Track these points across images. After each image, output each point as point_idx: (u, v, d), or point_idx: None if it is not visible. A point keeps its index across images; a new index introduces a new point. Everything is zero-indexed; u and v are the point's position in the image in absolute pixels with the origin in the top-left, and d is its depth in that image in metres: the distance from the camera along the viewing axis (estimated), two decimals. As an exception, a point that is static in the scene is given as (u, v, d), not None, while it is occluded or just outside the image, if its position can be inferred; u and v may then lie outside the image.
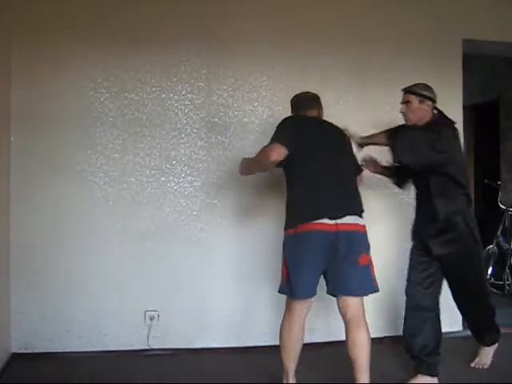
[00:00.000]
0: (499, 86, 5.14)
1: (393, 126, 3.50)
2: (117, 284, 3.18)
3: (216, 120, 3.29)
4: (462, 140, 3.64)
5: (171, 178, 3.25)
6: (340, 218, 2.36)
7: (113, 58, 3.16)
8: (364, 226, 2.45)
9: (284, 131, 2.49)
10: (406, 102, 2.80)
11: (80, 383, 2.78)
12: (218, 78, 3.29)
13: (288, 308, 2.51)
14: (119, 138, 3.18)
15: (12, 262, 3.06)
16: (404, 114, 2.80)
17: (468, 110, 4.73)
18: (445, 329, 3.56)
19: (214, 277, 3.29)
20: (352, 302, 2.41)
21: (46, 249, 3.11)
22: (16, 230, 3.06)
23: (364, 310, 2.44)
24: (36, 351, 3.09)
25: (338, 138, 2.63)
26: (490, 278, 4.63)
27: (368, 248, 2.46)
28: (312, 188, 2.43)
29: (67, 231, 3.13)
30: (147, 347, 3.21)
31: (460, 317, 3.61)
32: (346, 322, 2.43)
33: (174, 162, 3.25)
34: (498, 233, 4.70)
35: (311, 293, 2.45)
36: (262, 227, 3.30)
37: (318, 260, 2.40)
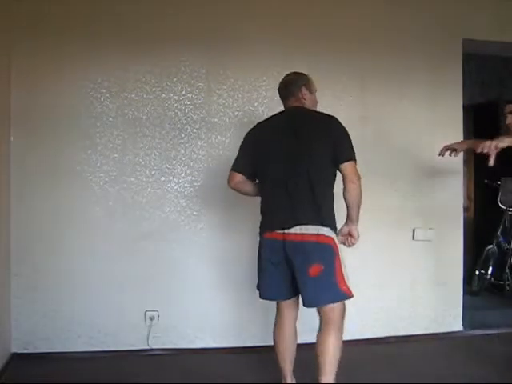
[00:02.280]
0: (499, 86, 5.14)
1: (392, 125, 3.54)
2: (117, 284, 3.17)
3: (216, 120, 3.29)
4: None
5: (171, 178, 3.25)
6: (287, 228, 2.34)
7: (113, 58, 3.15)
8: (316, 236, 2.31)
9: (238, 154, 2.57)
10: (511, 112, 2.82)
11: (80, 383, 2.78)
12: (218, 78, 3.28)
13: (276, 309, 2.57)
14: (119, 138, 3.18)
15: (12, 262, 3.06)
16: (509, 125, 2.81)
17: (468, 109, 4.73)
18: (445, 329, 3.59)
19: (214, 277, 3.29)
20: (324, 307, 2.38)
21: (46, 249, 3.11)
22: (16, 230, 3.06)
23: (339, 314, 2.37)
24: (36, 351, 3.09)
25: (304, 134, 2.38)
26: (490, 278, 4.62)
27: (321, 258, 2.31)
28: (265, 201, 2.50)
29: (67, 231, 3.13)
30: (147, 347, 3.21)
31: (460, 317, 3.63)
32: (320, 324, 2.42)
33: (174, 162, 3.26)
34: (498, 233, 4.69)
35: (276, 296, 2.51)
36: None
37: (275, 266, 2.42)
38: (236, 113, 3.31)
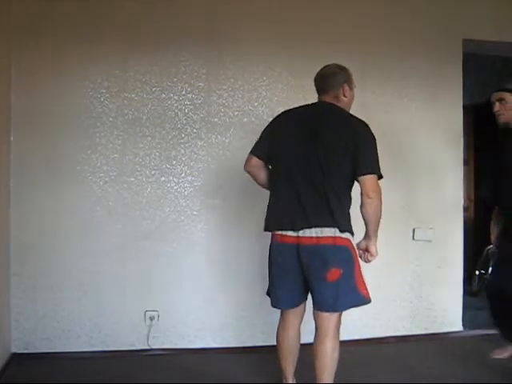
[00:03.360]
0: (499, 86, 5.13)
1: (393, 125, 3.54)
2: (117, 284, 3.18)
3: (216, 120, 3.29)
4: (462, 140, 3.69)
5: (171, 178, 3.25)
6: (299, 231, 2.25)
7: (113, 58, 3.15)
8: (332, 238, 2.22)
9: (260, 138, 2.47)
10: (499, 100, 2.80)
11: (80, 383, 2.78)
12: (218, 78, 3.28)
13: (281, 313, 2.51)
14: (119, 138, 3.19)
15: (12, 262, 3.06)
16: (498, 112, 2.81)
17: (468, 109, 4.72)
18: (445, 329, 3.59)
19: (214, 277, 3.29)
20: (321, 314, 2.32)
21: (47, 249, 3.11)
22: (16, 230, 3.06)
23: (335, 322, 2.32)
24: (36, 351, 3.09)
25: (326, 136, 2.26)
26: (490, 278, 4.62)
27: (339, 261, 2.24)
28: (275, 197, 2.39)
29: (67, 231, 3.13)
30: (147, 347, 3.21)
31: (460, 317, 3.63)
32: (315, 330, 2.37)
33: (174, 162, 3.26)
34: (498, 233, 4.69)
35: (287, 305, 2.44)
36: (263, 227, 3.29)
37: (287, 273, 2.35)
38: (236, 113, 3.31)
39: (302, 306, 2.47)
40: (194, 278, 3.27)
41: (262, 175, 2.48)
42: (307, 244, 2.24)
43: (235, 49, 3.28)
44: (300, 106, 2.47)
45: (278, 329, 2.52)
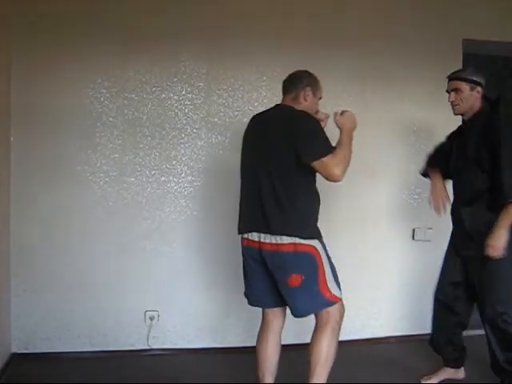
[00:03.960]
0: (499, 86, 5.13)
1: (393, 125, 3.54)
2: (117, 284, 3.18)
3: (216, 120, 3.29)
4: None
5: (171, 177, 3.25)
6: (260, 236, 2.27)
7: (113, 58, 3.15)
8: (293, 245, 2.20)
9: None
10: (454, 90, 2.60)
11: (80, 383, 2.78)
12: (218, 78, 3.28)
13: (262, 316, 2.53)
14: (119, 138, 3.19)
15: (12, 262, 3.06)
16: (453, 102, 2.61)
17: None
18: (445, 329, 3.58)
19: (214, 277, 3.29)
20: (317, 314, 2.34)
21: (46, 249, 3.11)
22: (16, 230, 3.06)
23: (334, 317, 2.31)
24: (36, 351, 3.09)
25: (275, 135, 2.26)
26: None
27: (300, 268, 2.22)
28: (240, 200, 2.43)
29: (67, 231, 3.13)
30: (147, 347, 3.21)
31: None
32: (315, 323, 2.38)
33: (174, 162, 3.26)
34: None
35: (262, 303, 2.47)
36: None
37: (258, 274, 2.37)
38: (236, 113, 3.31)
39: (280, 309, 2.46)
40: (193, 278, 3.27)
41: None
42: (268, 250, 2.25)
43: (235, 49, 3.28)
44: (262, 112, 2.51)
45: (258, 335, 2.52)
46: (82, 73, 3.12)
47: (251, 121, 2.50)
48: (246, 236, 2.37)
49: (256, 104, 3.33)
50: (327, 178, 2.18)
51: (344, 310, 2.38)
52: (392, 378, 2.85)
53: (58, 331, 3.12)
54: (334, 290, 2.29)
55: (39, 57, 3.06)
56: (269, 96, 3.33)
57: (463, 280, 2.70)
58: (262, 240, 2.27)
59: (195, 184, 3.28)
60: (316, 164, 2.16)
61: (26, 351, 3.09)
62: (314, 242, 2.25)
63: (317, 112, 2.44)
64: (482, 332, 2.64)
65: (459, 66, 3.62)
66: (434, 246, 3.56)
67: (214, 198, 3.29)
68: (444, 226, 3.58)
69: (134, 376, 2.90)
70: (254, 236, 2.30)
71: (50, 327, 3.12)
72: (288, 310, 2.41)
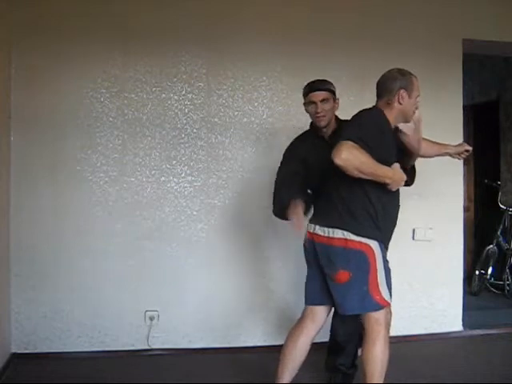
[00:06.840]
0: (499, 86, 5.14)
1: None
2: (117, 284, 3.17)
3: (216, 120, 3.29)
4: (462, 139, 3.68)
5: (171, 177, 3.25)
6: (314, 227, 2.31)
7: (113, 58, 3.15)
8: (344, 240, 2.18)
9: None
10: (322, 101, 2.47)
11: (80, 383, 2.78)
12: (218, 78, 3.28)
13: (301, 315, 2.45)
14: (119, 138, 3.18)
15: (12, 262, 3.06)
16: (319, 114, 2.47)
17: (468, 110, 4.73)
18: (445, 329, 3.59)
19: (214, 277, 3.29)
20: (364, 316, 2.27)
21: (46, 249, 3.11)
22: (16, 230, 3.06)
23: (380, 330, 2.23)
24: (36, 351, 3.09)
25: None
26: (490, 278, 4.63)
27: (349, 264, 2.19)
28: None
29: (67, 231, 3.13)
30: (147, 347, 3.21)
31: (460, 317, 3.63)
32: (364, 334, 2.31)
33: (174, 162, 3.26)
34: (498, 233, 4.70)
35: (311, 301, 2.40)
36: (262, 227, 3.30)
37: (311, 267, 2.39)
38: (236, 113, 3.31)
39: (321, 308, 2.39)
40: (193, 278, 3.27)
41: None
42: (319, 241, 2.28)
43: (235, 49, 3.28)
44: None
45: (288, 334, 2.43)
46: (82, 73, 3.12)
47: None
48: (307, 228, 2.39)
49: (256, 104, 3.33)
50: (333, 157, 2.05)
51: (391, 315, 2.35)
52: (392, 378, 2.85)
53: (57, 331, 3.12)
54: (385, 294, 2.24)
55: (39, 57, 3.06)
56: (269, 96, 3.33)
57: None
58: (315, 231, 2.30)
59: (195, 184, 3.28)
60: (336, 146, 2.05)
61: (25, 351, 3.08)
62: (371, 242, 2.21)
63: (414, 111, 2.33)
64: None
65: (459, 66, 3.63)
66: (434, 246, 3.57)
67: (213, 197, 3.29)
68: (444, 226, 3.60)
69: (134, 376, 2.89)
70: (311, 227, 2.34)
71: (50, 327, 3.11)
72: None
